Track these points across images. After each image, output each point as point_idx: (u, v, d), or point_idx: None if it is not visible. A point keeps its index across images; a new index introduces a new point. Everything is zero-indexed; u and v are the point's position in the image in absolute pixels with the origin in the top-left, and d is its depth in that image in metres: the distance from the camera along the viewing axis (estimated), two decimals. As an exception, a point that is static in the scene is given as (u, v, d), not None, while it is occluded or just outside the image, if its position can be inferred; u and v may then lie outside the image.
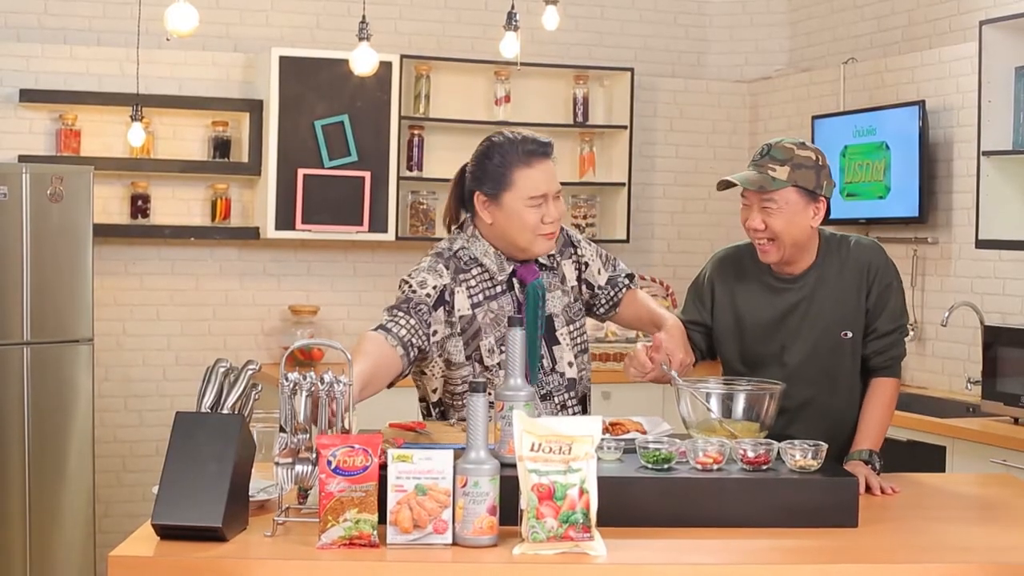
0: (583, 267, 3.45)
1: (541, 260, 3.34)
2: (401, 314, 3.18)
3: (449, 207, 3.40)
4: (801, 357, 3.33)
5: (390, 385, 3.18)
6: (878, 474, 3.20)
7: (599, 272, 3.47)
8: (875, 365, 3.35)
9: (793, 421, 3.29)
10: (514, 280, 3.29)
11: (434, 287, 3.22)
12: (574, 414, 3.34)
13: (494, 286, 3.28)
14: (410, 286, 3.23)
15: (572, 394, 3.35)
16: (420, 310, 3.19)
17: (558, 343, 3.34)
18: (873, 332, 3.34)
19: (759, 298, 3.38)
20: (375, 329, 3.16)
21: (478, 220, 3.31)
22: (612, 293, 3.49)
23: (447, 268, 3.26)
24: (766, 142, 3.31)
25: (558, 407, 3.32)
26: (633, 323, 3.62)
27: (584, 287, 3.46)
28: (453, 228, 3.39)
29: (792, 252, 3.29)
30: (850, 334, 3.33)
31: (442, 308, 3.22)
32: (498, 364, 3.24)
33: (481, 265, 3.29)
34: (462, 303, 3.25)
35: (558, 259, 3.40)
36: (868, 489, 3.11)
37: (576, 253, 3.44)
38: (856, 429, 3.32)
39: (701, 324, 3.47)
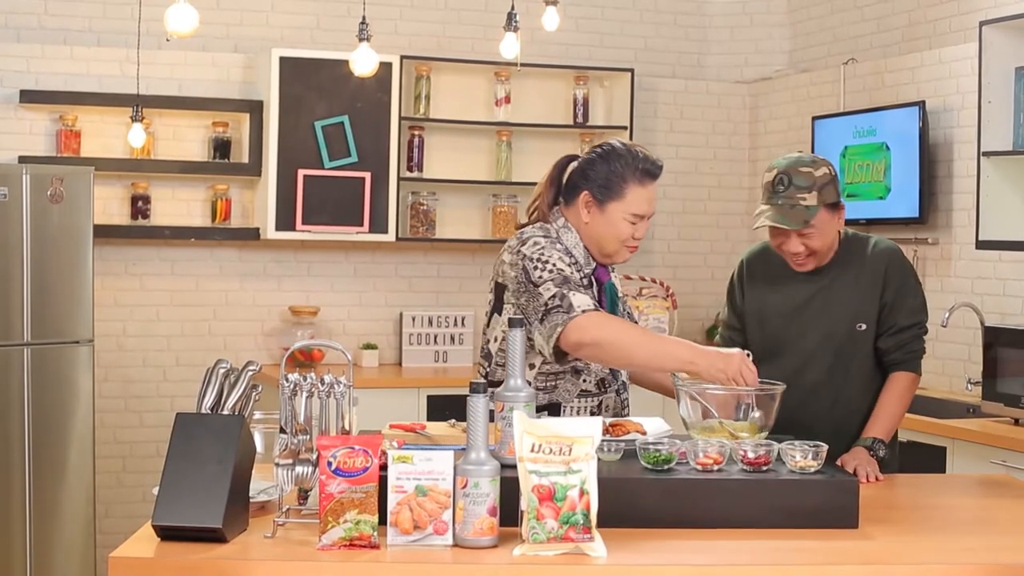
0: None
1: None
2: (583, 290, 3.18)
3: (543, 194, 3.39)
4: (816, 343, 3.50)
5: None
6: (881, 461, 3.32)
7: None
8: (894, 360, 3.49)
9: (805, 404, 3.41)
10: (593, 278, 3.37)
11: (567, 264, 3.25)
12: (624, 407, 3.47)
13: (582, 278, 3.31)
14: (555, 267, 3.20)
15: (626, 395, 3.48)
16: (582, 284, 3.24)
17: None
18: (892, 327, 3.48)
19: (783, 289, 3.56)
20: (588, 310, 3.14)
21: (570, 213, 3.35)
22: None
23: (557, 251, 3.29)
24: (780, 171, 3.41)
25: (624, 403, 3.43)
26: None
27: None
28: (534, 215, 3.40)
29: (825, 257, 3.51)
30: (864, 327, 3.48)
31: None
32: None
33: (571, 255, 3.32)
34: None
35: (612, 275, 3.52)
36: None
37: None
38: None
39: (741, 328, 3.66)
